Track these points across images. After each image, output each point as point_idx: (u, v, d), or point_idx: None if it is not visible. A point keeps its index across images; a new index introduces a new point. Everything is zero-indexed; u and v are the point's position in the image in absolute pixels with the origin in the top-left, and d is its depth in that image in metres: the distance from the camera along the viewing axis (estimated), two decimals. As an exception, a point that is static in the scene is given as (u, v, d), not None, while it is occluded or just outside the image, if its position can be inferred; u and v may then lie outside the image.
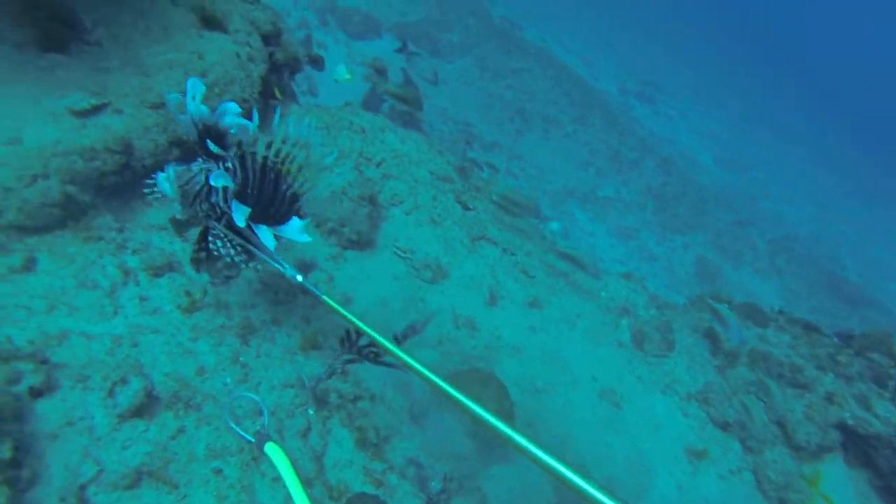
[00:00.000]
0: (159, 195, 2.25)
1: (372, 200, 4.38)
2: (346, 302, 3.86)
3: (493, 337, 4.29)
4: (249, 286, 3.14)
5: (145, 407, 2.37)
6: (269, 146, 2.46)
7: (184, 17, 4.18)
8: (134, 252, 2.87)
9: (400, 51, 11.72)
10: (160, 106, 3.48)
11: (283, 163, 2.52)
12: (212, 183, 2.09)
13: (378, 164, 4.75)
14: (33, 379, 2.19)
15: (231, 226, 2.31)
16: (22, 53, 3.63)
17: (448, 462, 2.49)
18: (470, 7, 16.45)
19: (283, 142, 2.49)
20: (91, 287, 2.62)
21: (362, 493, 2.12)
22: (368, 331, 1.85)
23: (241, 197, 2.35)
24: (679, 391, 4.66)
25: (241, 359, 2.74)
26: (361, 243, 4.17)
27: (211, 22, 4.18)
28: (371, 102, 8.66)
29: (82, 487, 2.07)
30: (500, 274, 4.71)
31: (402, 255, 4.36)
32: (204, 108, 2.19)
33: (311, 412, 2.58)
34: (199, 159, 2.33)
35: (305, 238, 2.40)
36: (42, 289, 2.52)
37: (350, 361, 2.36)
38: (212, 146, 2.17)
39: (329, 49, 12.20)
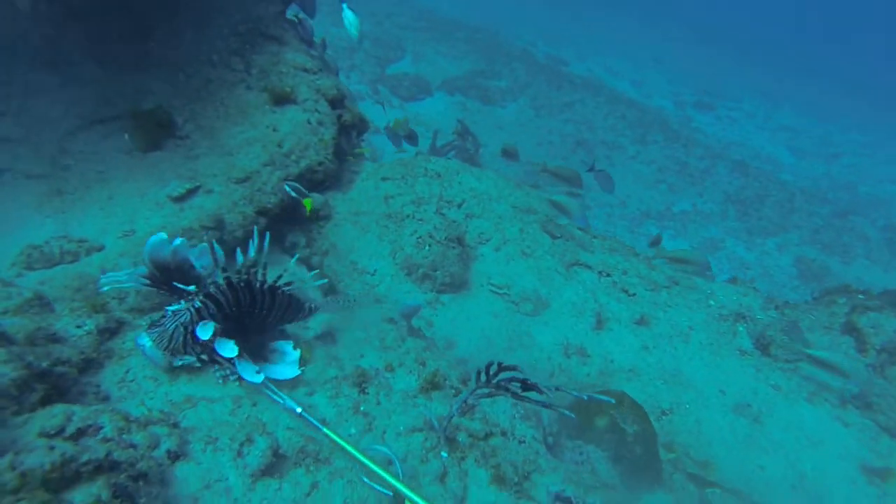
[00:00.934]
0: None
1: (460, 241, 4.39)
2: (449, 346, 3.81)
3: (605, 362, 4.06)
4: (355, 337, 3.17)
5: (275, 465, 2.37)
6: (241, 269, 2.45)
7: (258, 97, 4.54)
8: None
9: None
10: (245, 180, 3.74)
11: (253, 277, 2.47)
12: (199, 336, 2.14)
13: (459, 206, 4.80)
14: (169, 443, 2.26)
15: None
16: (132, 157, 4.06)
17: (597, 493, 2.29)
18: (514, 53, 16.92)
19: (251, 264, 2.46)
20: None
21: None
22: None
23: (223, 320, 2.37)
24: (829, 398, 4.15)
25: (361, 408, 2.73)
26: (455, 285, 4.16)
27: (282, 97, 4.51)
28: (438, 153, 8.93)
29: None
30: (602, 296, 4.52)
31: (499, 291, 4.30)
32: (165, 253, 2.27)
33: (444, 455, 2.49)
34: (168, 307, 2.35)
35: (294, 372, 2.43)
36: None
37: (487, 395, 2.27)
38: (183, 303, 2.26)
39: (387, 113, 12.81)
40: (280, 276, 2.50)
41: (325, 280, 2.70)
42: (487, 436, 2.35)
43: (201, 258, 2.41)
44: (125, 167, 3.68)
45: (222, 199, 3.64)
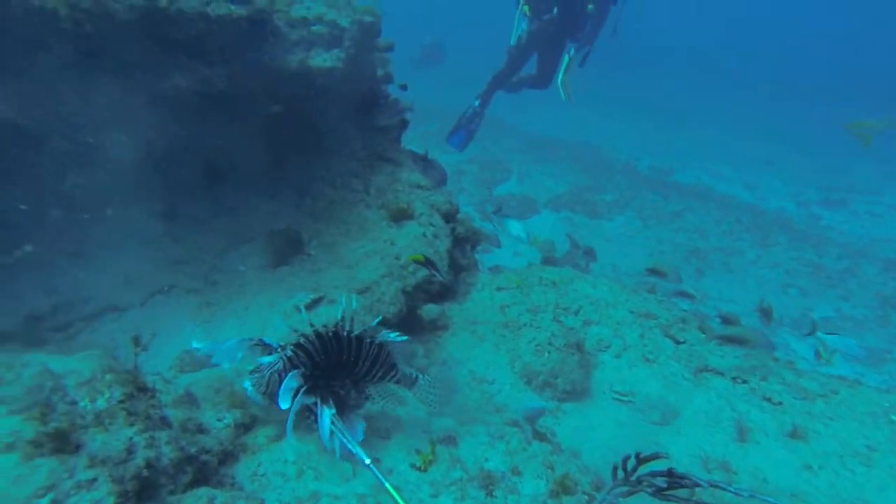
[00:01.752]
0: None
1: (579, 348, 4.35)
2: (573, 456, 3.64)
3: (756, 480, 3.59)
4: (478, 440, 3.16)
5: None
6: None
7: (375, 214, 5.11)
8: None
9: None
10: (364, 291, 4.12)
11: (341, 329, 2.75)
12: (287, 385, 2.39)
13: (576, 313, 4.82)
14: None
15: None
16: (263, 272, 4.69)
17: None
18: (616, 167, 17.36)
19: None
20: (332, 451, 2.88)
21: None
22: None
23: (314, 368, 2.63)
24: None
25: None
26: (577, 392, 4.06)
27: (399, 214, 5.02)
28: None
29: None
30: (740, 404, 4.13)
31: (622, 398, 4.11)
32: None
33: None
34: (260, 359, 2.68)
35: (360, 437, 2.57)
36: (293, 455, 2.81)
37: (626, 494, 2.16)
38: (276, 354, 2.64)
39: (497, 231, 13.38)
40: (366, 329, 2.76)
41: (406, 337, 2.89)
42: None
43: None
44: (259, 281, 4.28)
45: (346, 309, 4.04)
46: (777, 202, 17.09)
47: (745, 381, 4.45)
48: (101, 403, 2.06)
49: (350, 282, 4.48)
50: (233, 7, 4.36)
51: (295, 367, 2.56)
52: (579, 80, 10.03)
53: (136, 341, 2.25)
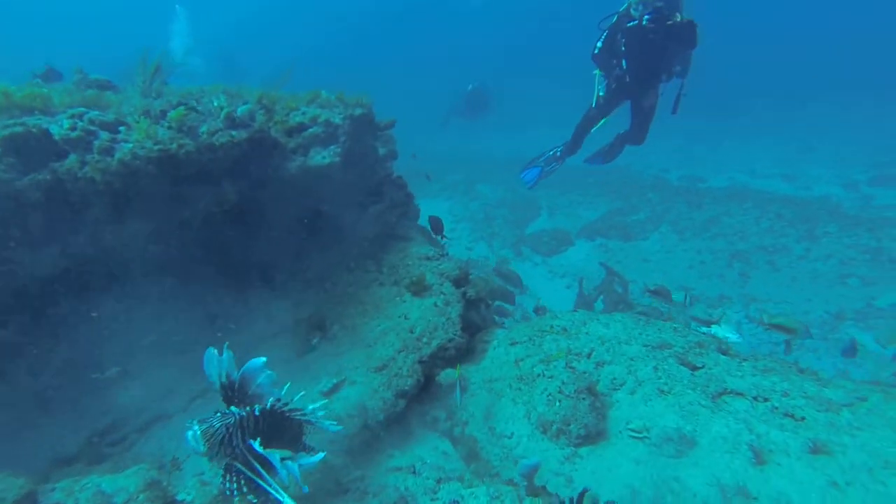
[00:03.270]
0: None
1: (591, 391, 4.53)
2: (594, 501, 3.79)
3: (779, 504, 3.61)
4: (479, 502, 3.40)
5: None
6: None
7: (389, 290, 5.52)
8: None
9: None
10: (382, 368, 4.50)
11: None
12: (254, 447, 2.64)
13: (588, 356, 5.00)
14: None
15: (246, 461, 2.76)
16: (289, 363, 5.16)
17: None
18: (646, 183, 17.27)
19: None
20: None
21: None
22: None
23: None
24: None
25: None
26: (591, 436, 4.22)
27: (412, 286, 5.42)
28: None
29: None
30: (759, 425, 4.15)
31: (638, 435, 4.23)
32: (234, 376, 2.92)
33: None
34: (217, 413, 2.83)
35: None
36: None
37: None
38: (234, 409, 2.80)
39: (531, 270, 13.54)
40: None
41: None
42: None
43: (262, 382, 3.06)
44: (288, 370, 4.75)
45: (364, 388, 4.42)
46: (822, 189, 16.41)
47: (766, 399, 4.46)
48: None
49: (369, 361, 4.89)
50: (234, 133, 5.06)
51: (242, 428, 2.77)
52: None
53: (175, 463, 2.73)
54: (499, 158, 22.39)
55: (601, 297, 10.92)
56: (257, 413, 2.85)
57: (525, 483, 3.19)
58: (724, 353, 5.09)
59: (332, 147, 5.75)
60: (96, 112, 4.44)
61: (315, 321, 5.31)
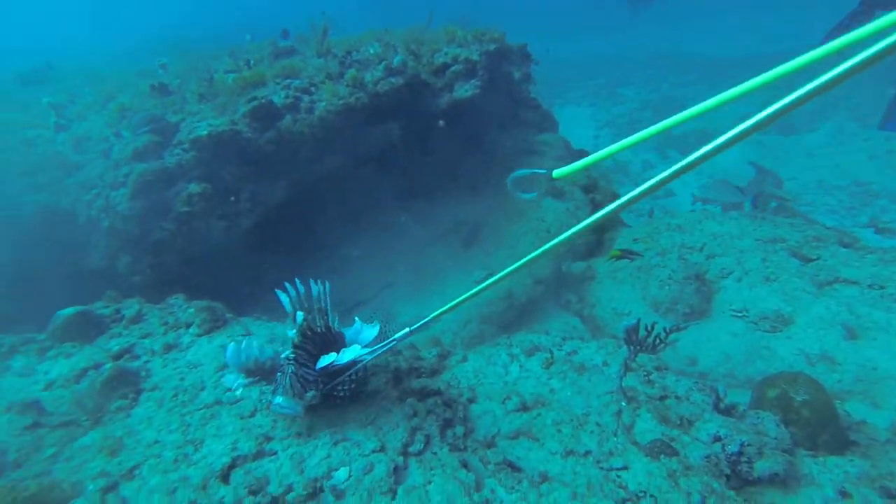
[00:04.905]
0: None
1: (698, 278, 5.25)
2: (691, 363, 4.69)
3: (864, 369, 4.16)
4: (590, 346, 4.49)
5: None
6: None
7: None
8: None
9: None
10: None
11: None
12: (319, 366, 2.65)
13: (700, 249, 5.64)
14: None
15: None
16: (454, 256, 6.55)
17: (750, 435, 2.94)
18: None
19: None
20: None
21: (656, 439, 2.94)
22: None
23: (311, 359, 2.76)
24: None
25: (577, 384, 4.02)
26: (696, 314, 5.02)
27: (551, 192, 6.41)
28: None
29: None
30: (861, 308, 4.56)
31: (738, 314, 4.92)
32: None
33: (623, 404, 3.42)
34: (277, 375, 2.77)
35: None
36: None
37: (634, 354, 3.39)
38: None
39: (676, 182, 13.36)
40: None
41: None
42: (663, 397, 3.37)
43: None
44: (453, 262, 6.17)
45: (510, 279, 5.68)
46: None
47: (882, 287, 4.78)
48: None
49: (512, 257, 6.11)
50: (392, 80, 6.32)
51: (302, 365, 2.71)
52: None
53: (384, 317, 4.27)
54: (640, 58, 21.07)
55: (751, 199, 10.64)
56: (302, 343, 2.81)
57: (623, 337, 4.19)
58: (846, 246, 5.33)
59: (472, 81, 6.74)
60: (297, 81, 6.00)
61: (471, 226, 6.66)
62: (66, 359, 3.65)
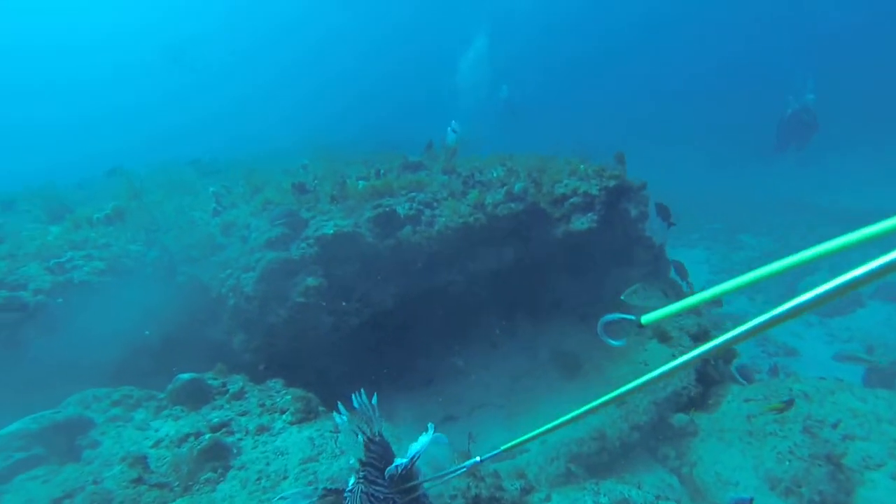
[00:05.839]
0: None
1: (831, 460, 4.55)
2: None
3: None
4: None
5: None
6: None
7: (634, 339, 6.29)
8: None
9: None
10: (622, 404, 5.31)
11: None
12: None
13: (834, 426, 4.93)
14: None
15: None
16: (553, 389, 6.28)
17: None
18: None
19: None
20: None
21: None
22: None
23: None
24: None
25: None
26: (828, 505, 4.29)
27: (658, 336, 6.10)
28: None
29: None
30: None
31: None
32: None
33: None
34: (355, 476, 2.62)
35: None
36: None
37: None
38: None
39: (804, 331, 12.00)
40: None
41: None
42: None
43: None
44: (548, 395, 5.91)
45: (605, 419, 5.32)
46: None
47: None
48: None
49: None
50: (512, 205, 6.67)
51: (371, 482, 2.60)
52: None
53: (469, 437, 4.16)
54: (758, 201, 20.31)
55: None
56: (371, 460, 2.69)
57: None
58: None
59: (589, 214, 6.91)
60: (421, 195, 6.56)
61: (570, 359, 6.48)
62: (174, 421, 3.94)
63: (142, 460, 3.34)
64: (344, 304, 5.90)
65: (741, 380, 6.24)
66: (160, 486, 3.14)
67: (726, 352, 6.21)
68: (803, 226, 17.69)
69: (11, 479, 3.24)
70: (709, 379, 5.99)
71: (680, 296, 7.72)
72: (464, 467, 2.52)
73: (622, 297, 5.47)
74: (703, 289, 1.67)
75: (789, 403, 5.04)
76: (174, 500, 3.08)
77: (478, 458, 2.51)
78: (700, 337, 6.22)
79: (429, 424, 3.17)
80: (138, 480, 3.15)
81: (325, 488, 2.67)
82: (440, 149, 8.78)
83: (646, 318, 1.83)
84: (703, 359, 5.98)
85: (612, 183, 7.19)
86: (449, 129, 8.91)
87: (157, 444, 3.61)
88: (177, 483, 3.20)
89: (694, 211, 20.79)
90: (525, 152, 8.84)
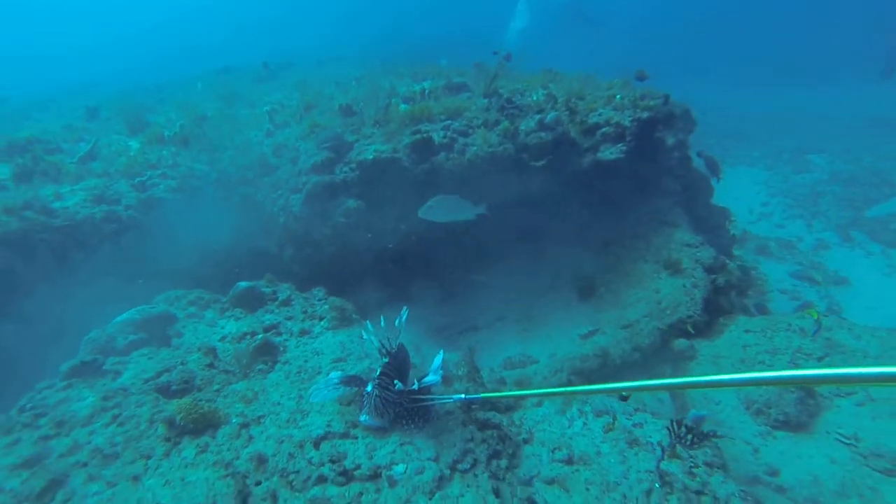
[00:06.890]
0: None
1: (806, 390, 4.98)
2: (770, 472, 4.52)
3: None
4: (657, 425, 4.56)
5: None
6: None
7: (651, 267, 6.65)
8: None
9: None
10: (628, 327, 5.81)
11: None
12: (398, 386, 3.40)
13: (819, 359, 5.31)
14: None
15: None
16: (567, 308, 6.87)
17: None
18: None
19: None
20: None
21: None
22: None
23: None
24: None
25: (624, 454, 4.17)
26: (791, 425, 4.80)
27: (672, 267, 6.45)
28: None
29: None
30: None
31: (845, 441, 4.60)
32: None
33: (657, 485, 3.54)
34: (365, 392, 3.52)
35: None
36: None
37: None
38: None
39: (861, 260, 11.70)
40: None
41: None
42: (699, 493, 3.49)
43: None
44: (560, 315, 6.51)
45: (610, 339, 5.90)
46: None
47: None
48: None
49: (620, 319, 6.31)
50: (542, 135, 6.89)
51: (385, 388, 3.45)
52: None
53: (471, 350, 4.87)
54: (850, 121, 18.71)
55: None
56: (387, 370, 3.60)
57: (692, 425, 4.24)
58: None
59: (619, 145, 7.01)
60: (456, 123, 6.87)
61: (588, 282, 6.97)
62: (235, 321, 4.88)
63: (213, 351, 4.28)
64: (379, 224, 6.57)
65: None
66: (226, 371, 4.08)
67: (740, 282, 6.50)
68: (885, 146, 16.42)
69: (130, 353, 4.30)
70: (720, 310, 6.35)
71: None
72: (452, 399, 3.39)
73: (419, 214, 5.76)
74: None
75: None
76: (237, 383, 4.02)
77: (462, 395, 3.38)
78: (714, 269, 6.50)
79: (436, 357, 3.91)
80: (210, 366, 4.10)
81: (345, 376, 3.63)
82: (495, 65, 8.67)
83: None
84: (715, 288, 6.29)
85: (645, 115, 7.17)
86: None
87: (223, 339, 4.57)
88: (238, 370, 4.13)
89: (766, 126, 19.50)
90: (574, 71, 8.74)
